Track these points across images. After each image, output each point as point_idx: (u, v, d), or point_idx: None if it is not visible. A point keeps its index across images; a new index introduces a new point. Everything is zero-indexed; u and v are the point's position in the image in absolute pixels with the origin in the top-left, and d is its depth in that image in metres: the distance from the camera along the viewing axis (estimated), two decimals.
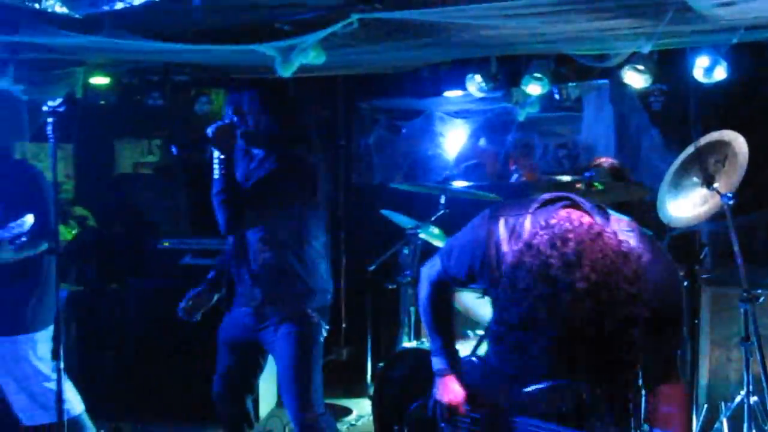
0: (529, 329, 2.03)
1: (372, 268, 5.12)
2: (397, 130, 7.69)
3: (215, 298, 3.84)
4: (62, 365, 3.34)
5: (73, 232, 6.21)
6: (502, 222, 2.41)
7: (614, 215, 2.38)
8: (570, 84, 5.75)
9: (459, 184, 4.74)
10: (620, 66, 4.94)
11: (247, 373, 3.84)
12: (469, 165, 6.97)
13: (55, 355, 3.37)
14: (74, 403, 3.99)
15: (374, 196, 7.11)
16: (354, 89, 7.04)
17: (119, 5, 4.12)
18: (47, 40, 4.56)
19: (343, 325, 6.83)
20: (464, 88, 5.78)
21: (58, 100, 3.24)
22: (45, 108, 3.23)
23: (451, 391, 2.71)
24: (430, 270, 2.73)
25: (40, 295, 3.88)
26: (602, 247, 2.04)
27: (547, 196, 2.41)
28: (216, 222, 3.64)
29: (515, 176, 7.04)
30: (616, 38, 4.38)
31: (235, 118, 3.55)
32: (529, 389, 2.42)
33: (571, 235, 2.05)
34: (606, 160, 5.10)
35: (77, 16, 4.31)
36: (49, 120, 3.23)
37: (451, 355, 2.75)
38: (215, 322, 4.00)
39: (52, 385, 3.76)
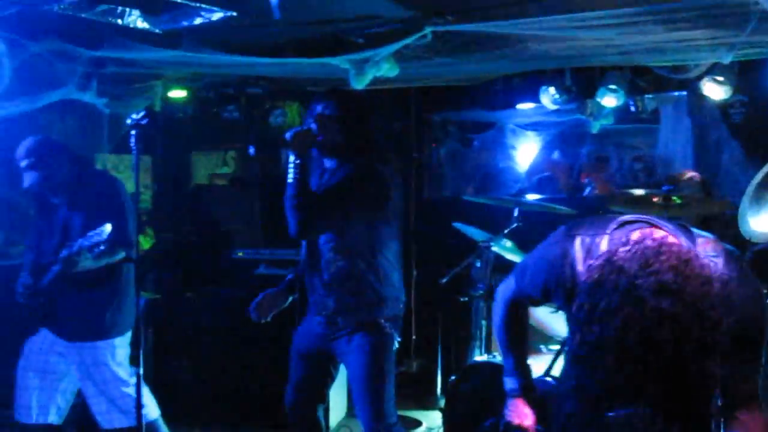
0: (608, 350, 1.98)
1: (444, 280, 5.09)
2: (468, 143, 7.67)
3: (289, 300, 3.87)
4: (141, 371, 3.40)
5: (151, 241, 6.36)
6: (578, 241, 2.35)
7: (700, 236, 2.31)
8: (646, 96, 5.65)
9: (532, 197, 4.69)
10: (699, 77, 4.84)
11: (319, 382, 3.86)
12: (542, 178, 6.91)
13: (134, 361, 3.46)
14: (151, 407, 4.08)
15: (445, 209, 7.10)
16: (426, 101, 7.06)
17: (198, 20, 4.22)
18: (129, 54, 4.70)
19: (413, 337, 6.83)
20: (537, 101, 5.74)
21: (141, 113, 3.31)
22: (128, 121, 3.31)
23: (521, 413, 2.65)
24: (504, 289, 2.70)
25: (119, 302, 3.97)
26: (691, 271, 1.99)
27: (627, 217, 2.35)
28: (288, 231, 3.68)
29: (588, 189, 6.95)
30: (695, 49, 4.29)
31: (314, 126, 3.58)
32: (611, 414, 2.35)
33: (661, 257, 1.99)
34: (696, 175, 5.00)
35: (157, 31, 4.43)
36: (132, 132, 3.31)
37: (523, 375, 2.70)
38: (288, 331, 4.04)
39: (131, 390, 3.86)
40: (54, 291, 3.88)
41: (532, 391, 2.68)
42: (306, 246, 3.69)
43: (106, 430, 4.00)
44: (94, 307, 3.92)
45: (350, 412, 5.73)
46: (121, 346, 3.98)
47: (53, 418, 3.98)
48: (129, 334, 4.03)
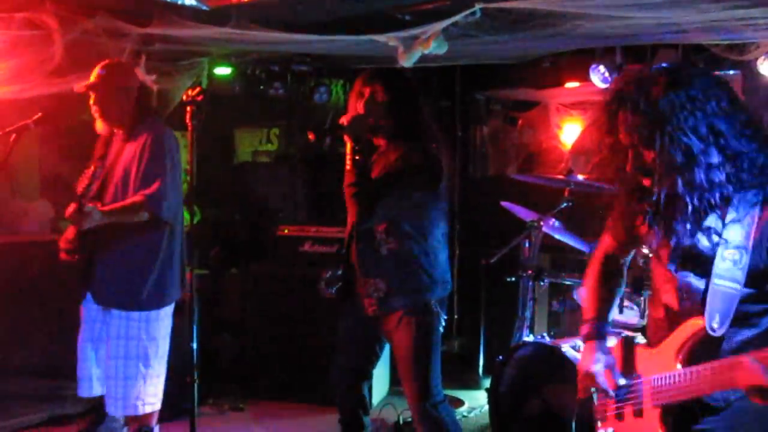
0: None
1: (493, 260, 5.06)
2: (513, 121, 7.58)
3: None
4: (195, 345, 3.40)
5: (198, 217, 6.41)
6: None
7: None
8: None
9: (582, 176, 4.63)
10: (755, 57, 4.72)
11: (365, 360, 3.88)
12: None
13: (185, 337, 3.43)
14: (158, 398, 3.95)
15: (489, 188, 7.05)
16: (471, 79, 6.99)
17: None
18: (177, 31, 4.71)
19: (456, 317, 6.82)
20: (586, 79, 5.65)
21: (197, 89, 3.32)
22: (183, 97, 3.31)
23: (589, 358, 2.63)
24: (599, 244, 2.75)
25: (160, 273, 3.85)
26: None
27: None
28: (335, 211, 3.68)
29: None
30: (753, 28, 4.17)
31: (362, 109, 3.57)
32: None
33: None
34: None
35: (205, 8, 4.43)
36: (188, 109, 3.32)
37: (599, 322, 2.69)
38: (332, 308, 4.06)
39: (150, 373, 3.83)
40: (92, 250, 3.80)
41: (603, 337, 2.66)
42: (356, 227, 3.68)
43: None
44: (131, 275, 3.79)
45: (393, 390, 5.76)
46: (156, 319, 3.87)
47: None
48: (169, 309, 3.95)
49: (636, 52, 5.34)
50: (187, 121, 3.36)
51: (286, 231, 5.71)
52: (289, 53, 6.10)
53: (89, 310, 3.90)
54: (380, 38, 4.62)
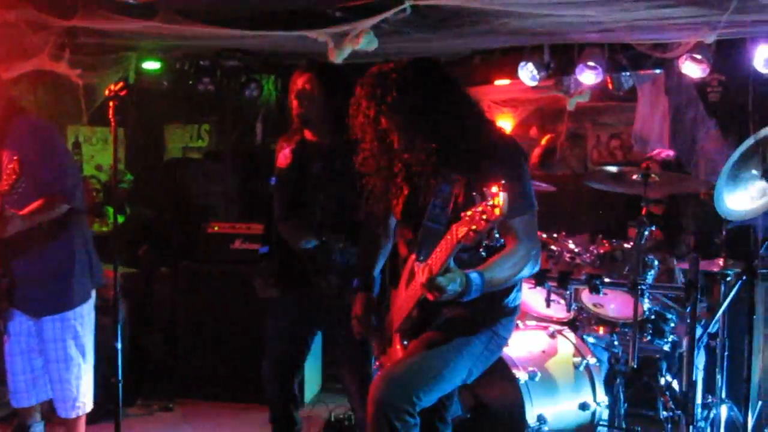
0: None
1: None
2: None
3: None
4: (120, 345, 3.34)
5: (122, 217, 6.30)
6: None
7: None
8: (624, 73, 5.66)
9: None
10: (677, 56, 4.85)
11: (297, 355, 3.87)
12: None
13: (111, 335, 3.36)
14: (89, 398, 3.88)
15: None
16: None
17: None
18: (103, 24, 4.61)
19: None
20: (515, 77, 5.72)
21: (120, 84, 3.24)
22: (106, 92, 3.23)
23: (357, 305, 3.21)
24: None
25: (80, 266, 3.74)
26: None
27: None
28: (266, 208, 3.69)
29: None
30: (677, 28, 4.29)
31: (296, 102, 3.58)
32: None
33: None
34: (669, 153, 5.03)
35: (132, 1, 4.35)
36: (111, 104, 3.24)
37: (364, 275, 3.26)
38: (262, 306, 4.03)
39: (89, 368, 3.77)
40: (8, 264, 3.65)
41: (369, 288, 3.24)
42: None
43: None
44: (57, 278, 3.69)
45: (325, 386, 5.76)
46: (90, 312, 3.80)
47: (50, 393, 3.81)
48: (94, 297, 3.86)
49: (563, 51, 5.43)
50: (111, 116, 3.27)
51: (216, 228, 5.65)
52: (219, 48, 6.04)
53: (15, 323, 3.76)
54: (310, 34, 4.61)
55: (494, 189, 2.31)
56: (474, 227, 2.35)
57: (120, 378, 3.42)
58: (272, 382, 3.83)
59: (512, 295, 2.97)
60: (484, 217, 2.32)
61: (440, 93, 2.78)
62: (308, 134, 3.70)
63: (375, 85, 2.78)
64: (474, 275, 2.60)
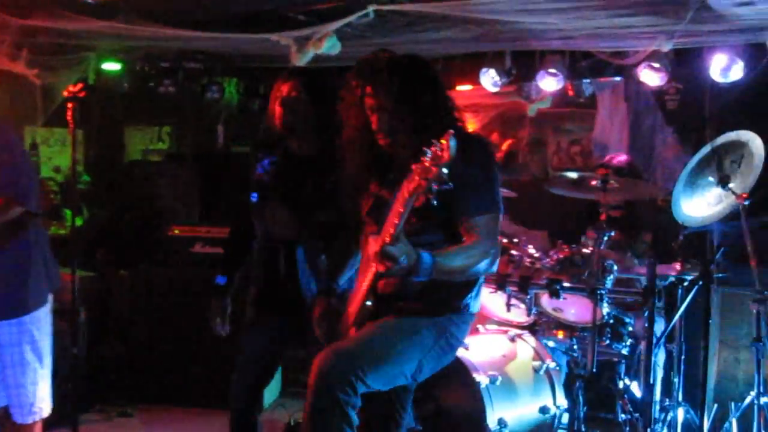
0: None
1: None
2: None
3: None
4: (76, 350, 3.29)
5: (84, 217, 6.22)
6: None
7: None
8: (584, 80, 5.73)
9: None
10: (636, 64, 4.92)
11: (267, 373, 3.83)
12: None
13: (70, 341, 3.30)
14: (47, 403, 3.79)
15: None
16: None
17: None
18: (62, 24, 4.55)
19: None
20: (477, 82, 5.76)
21: (79, 86, 3.20)
22: (65, 93, 3.18)
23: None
24: None
25: (36, 269, 3.64)
26: None
27: None
28: (227, 211, 3.64)
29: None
30: (635, 36, 4.36)
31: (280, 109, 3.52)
32: None
33: None
34: (624, 159, 5.11)
35: (91, 1, 4.30)
36: (69, 105, 3.19)
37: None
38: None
39: (46, 373, 3.70)
40: None
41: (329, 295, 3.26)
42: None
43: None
44: (12, 282, 3.59)
45: (285, 391, 5.74)
46: (46, 315, 3.70)
47: (5, 399, 3.67)
48: (50, 302, 3.76)
49: (525, 57, 5.48)
50: (69, 118, 3.22)
51: (176, 231, 5.60)
52: (181, 50, 5.99)
53: None
54: (273, 37, 4.59)
55: (443, 140, 2.39)
56: (424, 176, 2.41)
57: (78, 383, 3.35)
58: (239, 399, 3.76)
59: (468, 298, 2.97)
60: (434, 162, 2.39)
61: (427, 85, 2.87)
62: (293, 144, 3.56)
63: (368, 64, 2.87)
64: (425, 254, 2.63)
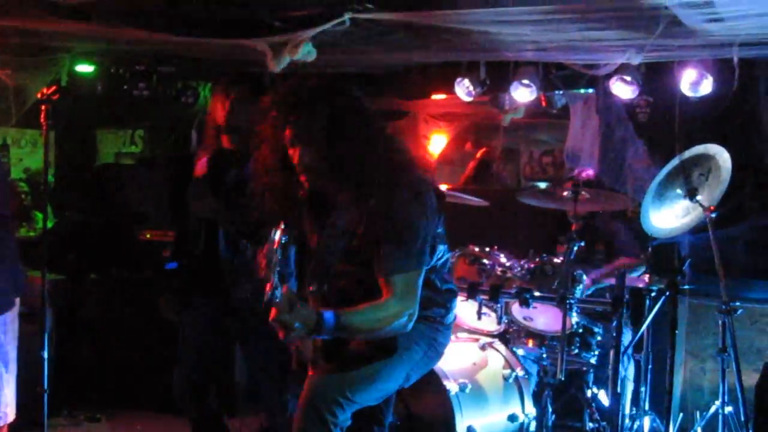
0: None
1: None
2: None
3: None
4: (46, 354, 3.26)
5: (51, 221, 6.16)
6: None
7: None
8: (557, 92, 5.78)
9: (444, 186, 4.74)
10: (608, 76, 4.98)
11: (210, 367, 3.85)
12: None
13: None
14: (12, 407, 3.75)
15: None
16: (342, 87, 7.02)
17: None
18: (34, 25, 4.52)
19: None
20: (451, 92, 5.79)
21: (53, 88, 3.18)
22: (39, 95, 3.17)
23: None
24: None
25: (4, 273, 3.59)
26: None
27: None
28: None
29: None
30: (606, 49, 4.42)
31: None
32: None
33: None
34: (591, 173, 5.17)
35: (63, 2, 4.28)
36: (42, 107, 3.17)
37: None
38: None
39: (12, 378, 3.65)
40: None
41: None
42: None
43: None
44: None
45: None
46: (14, 319, 3.67)
47: None
48: (18, 304, 3.72)
49: (499, 68, 5.52)
50: (42, 120, 3.20)
51: (148, 236, 5.58)
52: (156, 53, 5.97)
53: None
54: (249, 43, 4.59)
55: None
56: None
57: (46, 388, 3.33)
58: (185, 396, 3.77)
59: (444, 311, 2.99)
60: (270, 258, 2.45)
61: (348, 118, 2.75)
62: (225, 141, 3.72)
63: (288, 96, 2.78)
64: (328, 315, 2.58)
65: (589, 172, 5.21)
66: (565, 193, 4.32)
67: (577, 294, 4.32)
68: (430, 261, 2.82)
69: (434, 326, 2.97)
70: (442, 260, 2.93)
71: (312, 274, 2.86)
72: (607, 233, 5.10)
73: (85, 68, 6.01)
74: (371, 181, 2.71)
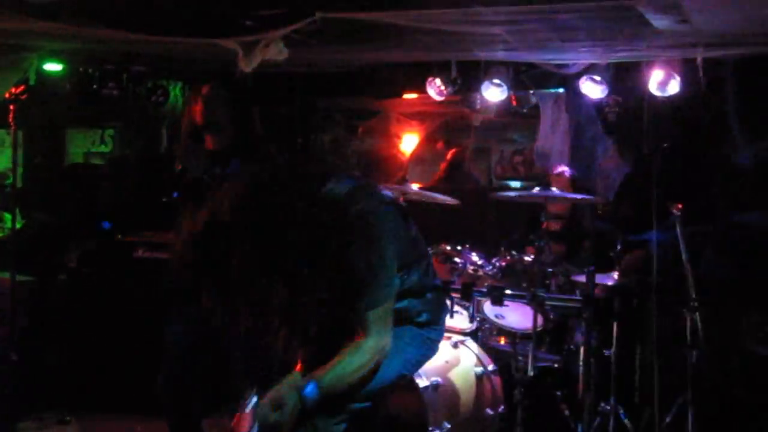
0: None
1: None
2: (354, 130, 7.70)
3: None
4: (15, 356, 3.24)
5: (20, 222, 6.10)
6: None
7: None
8: (528, 91, 5.83)
9: (414, 185, 4.77)
10: (578, 76, 5.03)
11: (195, 366, 3.82)
12: None
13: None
14: None
15: None
16: (312, 86, 7.02)
17: None
18: (1, 24, 4.47)
19: None
20: (423, 91, 5.82)
21: (21, 88, 3.16)
22: (6, 95, 3.14)
23: None
24: None
25: None
26: None
27: None
28: (170, 216, 3.67)
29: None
30: (576, 50, 4.46)
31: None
32: None
33: None
34: (566, 170, 5.23)
35: (33, 1, 4.23)
36: (11, 107, 3.15)
37: None
38: (164, 315, 3.97)
39: None
40: None
41: None
42: None
43: None
44: None
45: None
46: None
47: None
48: None
49: (470, 67, 5.55)
50: (10, 120, 3.18)
51: (118, 236, 5.53)
52: (126, 52, 5.93)
53: None
54: (220, 42, 4.58)
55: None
56: None
57: (13, 389, 3.29)
58: (168, 396, 3.75)
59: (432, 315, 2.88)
60: None
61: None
62: (209, 142, 3.74)
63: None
64: (308, 391, 2.42)
65: (566, 170, 5.26)
66: (535, 190, 4.37)
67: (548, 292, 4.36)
68: (403, 284, 2.61)
69: (427, 327, 2.90)
70: (417, 278, 2.73)
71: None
72: (592, 231, 5.15)
73: (53, 67, 5.94)
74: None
